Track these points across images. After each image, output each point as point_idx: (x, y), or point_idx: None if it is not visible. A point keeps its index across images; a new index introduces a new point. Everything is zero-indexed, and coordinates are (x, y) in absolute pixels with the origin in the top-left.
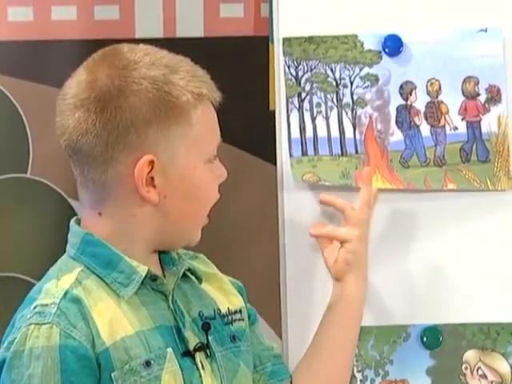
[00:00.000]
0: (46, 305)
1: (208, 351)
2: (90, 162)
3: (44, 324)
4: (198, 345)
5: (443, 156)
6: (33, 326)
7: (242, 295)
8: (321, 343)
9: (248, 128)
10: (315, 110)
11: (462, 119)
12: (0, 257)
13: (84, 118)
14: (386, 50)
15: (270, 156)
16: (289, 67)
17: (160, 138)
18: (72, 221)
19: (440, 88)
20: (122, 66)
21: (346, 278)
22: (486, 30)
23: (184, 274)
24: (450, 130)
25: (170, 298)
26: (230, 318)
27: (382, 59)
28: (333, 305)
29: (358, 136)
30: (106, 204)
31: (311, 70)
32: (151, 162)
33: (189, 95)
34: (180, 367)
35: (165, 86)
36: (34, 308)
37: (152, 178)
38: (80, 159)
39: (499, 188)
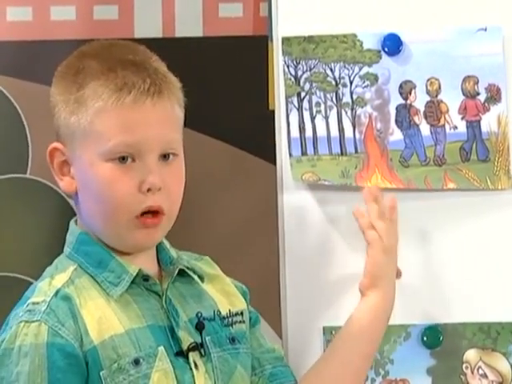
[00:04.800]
0: (37, 303)
1: (202, 351)
2: None
3: (33, 322)
4: (192, 344)
5: (443, 155)
6: (23, 323)
7: (245, 299)
8: (334, 352)
9: (247, 128)
10: (314, 109)
11: (462, 118)
12: None
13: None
14: (386, 50)
15: (270, 156)
16: (288, 67)
17: (63, 126)
18: (72, 221)
19: (440, 87)
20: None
21: (368, 292)
22: (485, 29)
23: (185, 274)
24: (450, 129)
25: (164, 297)
26: (230, 319)
27: (381, 58)
28: (353, 316)
29: (357, 135)
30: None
31: (310, 70)
32: (57, 149)
33: (99, 89)
34: (172, 366)
35: (79, 75)
36: (27, 306)
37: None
38: None
39: (499, 187)
